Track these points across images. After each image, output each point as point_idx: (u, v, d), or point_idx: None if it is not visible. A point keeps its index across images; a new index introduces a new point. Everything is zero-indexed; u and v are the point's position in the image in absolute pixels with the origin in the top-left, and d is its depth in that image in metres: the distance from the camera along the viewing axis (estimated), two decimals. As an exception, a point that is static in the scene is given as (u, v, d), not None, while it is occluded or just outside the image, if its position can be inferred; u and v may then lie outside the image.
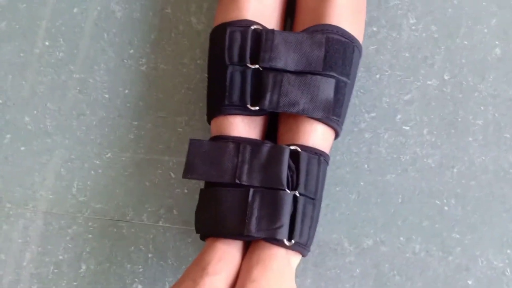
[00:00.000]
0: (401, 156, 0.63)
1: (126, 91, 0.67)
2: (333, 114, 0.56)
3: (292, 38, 0.57)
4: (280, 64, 0.56)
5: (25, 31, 0.70)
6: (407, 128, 0.64)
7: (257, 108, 0.56)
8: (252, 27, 0.57)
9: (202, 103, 0.66)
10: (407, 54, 0.67)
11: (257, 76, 0.56)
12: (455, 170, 0.63)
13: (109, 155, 0.65)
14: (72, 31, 0.70)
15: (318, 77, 0.55)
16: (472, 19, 0.67)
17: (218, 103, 0.57)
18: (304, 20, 0.60)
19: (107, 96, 0.67)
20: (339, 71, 0.56)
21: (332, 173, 0.62)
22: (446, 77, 0.66)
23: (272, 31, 0.57)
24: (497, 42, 0.66)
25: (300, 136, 0.55)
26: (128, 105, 0.67)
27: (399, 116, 0.65)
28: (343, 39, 0.57)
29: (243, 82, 0.56)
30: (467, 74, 0.66)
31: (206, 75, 0.63)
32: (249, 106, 0.56)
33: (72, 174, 0.65)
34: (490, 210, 0.62)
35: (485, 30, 0.67)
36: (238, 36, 0.57)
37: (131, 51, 0.69)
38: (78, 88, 0.68)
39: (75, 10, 0.71)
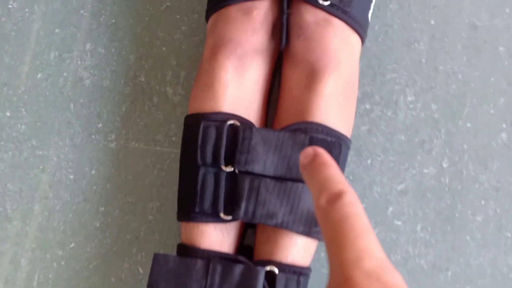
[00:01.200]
0: (392, 256, 0.58)
1: (93, 171, 0.61)
2: (315, 225, 0.50)
3: (272, 138, 0.50)
4: (257, 168, 0.50)
5: (-14, 96, 0.64)
6: (399, 223, 0.58)
7: (229, 218, 0.50)
8: (229, 122, 0.51)
9: (176, 187, 0.60)
10: (402, 137, 0.60)
11: (233, 180, 0.51)
12: (449, 273, 0.57)
13: (72, 245, 0.60)
14: (36, 100, 0.64)
15: (300, 184, 0.50)
16: (477, 97, 0.61)
17: (188, 209, 0.51)
18: (287, 111, 0.53)
19: (72, 177, 0.61)
20: (323, 176, 0.50)
21: (316, 272, 0.57)
22: (444, 165, 0.59)
23: (250, 128, 0.51)
24: (504, 126, 0.60)
25: (278, 251, 0.50)
26: (94, 187, 0.61)
27: (390, 209, 0.59)
28: (329, 139, 0.50)
29: (216, 186, 0.50)
30: (468, 162, 0.59)
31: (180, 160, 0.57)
32: (222, 215, 0.50)
33: (33, 265, 0.60)
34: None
35: (492, 111, 0.60)
36: (212, 133, 0.51)
37: (100, 125, 0.63)
38: (41, 167, 0.62)
39: (39, 75, 0.64)
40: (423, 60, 0.62)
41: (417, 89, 0.61)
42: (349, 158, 0.59)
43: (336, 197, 0.23)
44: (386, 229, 0.58)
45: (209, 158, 0.50)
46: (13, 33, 0.66)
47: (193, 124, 0.52)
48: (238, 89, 0.53)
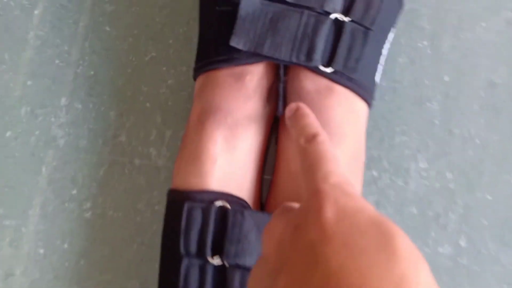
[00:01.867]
0: None
1: (65, 245, 0.54)
2: None
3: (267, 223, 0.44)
4: (250, 261, 0.43)
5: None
6: (411, 309, 0.52)
7: (217, 317, 0.44)
8: (217, 204, 0.45)
9: (158, 263, 0.54)
10: (414, 210, 0.54)
11: (221, 274, 0.44)
12: None
13: (40, 331, 0.53)
14: (4, 162, 0.57)
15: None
16: (497, 165, 0.54)
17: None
18: (284, 189, 0.47)
19: (42, 251, 0.55)
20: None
21: None
22: (462, 243, 0.53)
23: (242, 212, 0.44)
24: (527, 197, 0.54)
25: None
26: (66, 263, 0.54)
27: (401, 293, 0.52)
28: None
29: (202, 282, 0.44)
30: (488, 241, 0.53)
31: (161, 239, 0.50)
32: (207, 313, 0.43)
33: None
34: None
35: (513, 180, 0.54)
36: (198, 216, 0.44)
37: (74, 191, 0.56)
38: (7, 239, 0.55)
39: (7, 134, 0.58)
40: (436, 122, 0.55)
41: (430, 155, 0.55)
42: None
43: (312, 137, 0.29)
44: (395, 316, 0.52)
45: (193, 247, 0.44)
46: (-19, 84, 0.59)
47: (176, 204, 0.46)
48: (229, 163, 0.46)
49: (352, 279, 0.19)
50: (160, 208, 0.55)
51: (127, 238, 0.54)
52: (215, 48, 0.47)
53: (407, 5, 0.57)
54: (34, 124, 0.58)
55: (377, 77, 0.49)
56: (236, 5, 0.45)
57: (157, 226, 0.54)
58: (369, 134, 0.53)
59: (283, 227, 0.25)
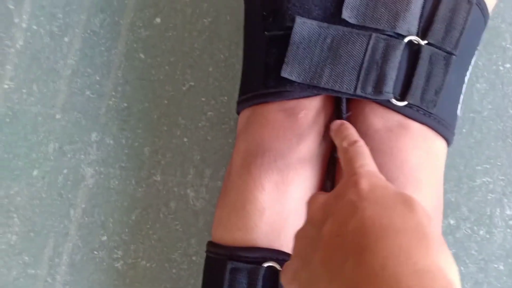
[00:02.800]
0: None
1: (94, 300, 0.49)
2: None
3: None
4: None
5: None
6: None
7: None
8: (266, 264, 0.38)
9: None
10: (501, 267, 0.44)
11: None
12: None
13: None
14: (30, 203, 0.52)
15: None
16: None
17: None
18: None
19: (68, 306, 0.49)
20: None
21: None
22: None
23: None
24: None
25: None
26: (95, 322, 0.48)
27: None
28: None
29: None
30: None
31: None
32: None
33: None
34: None
35: None
36: (243, 280, 0.37)
37: (104, 238, 0.50)
38: (32, 286, 0.50)
39: (34, 172, 0.53)
40: (526, 159, 0.46)
41: (519, 199, 0.46)
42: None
43: (353, 142, 0.33)
44: None
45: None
46: (7, 119, 0.55)
47: (217, 262, 0.39)
48: (279, 214, 0.39)
49: (382, 222, 0.25)
50: (199, 259, 0.48)
51: (162, 293, 0.48)
52: (264, 79, 0.40)
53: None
54: (63, 162, 0.52)
55: (459, 110, 0.41)
56: (289, 29, 0.39)
57: (196, 281, 0.48)
58: (446, 174, 0.45)
59: (326, 197, 0.30)
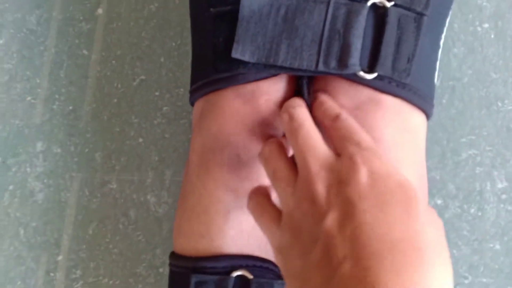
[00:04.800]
0: None
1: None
2: None
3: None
4: None
5: None
6: None
7: None
8: (235, 274, 0.33)
9: None
10: (497, 246, 0.39)
11: None
12: None
13: None
14: (-27, 227, 0.47)
15: None
16: None
17: None
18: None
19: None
20: None
21: None
22: None
23: (271, 284, 0.32)
24: None
25: None
26: None
27: None
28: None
29: None
30: None
31: None
32: None
33: None
34: None
35: None
36: (209, 290, 0.33)
37: (60, 257, 0.44)
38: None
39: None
40: (513, 127, 0.42)
41: (509, 171, 0.41)
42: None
43: (335, 116, 0.31)
44: None
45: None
46: None
47: (181, 276, 0.34)
48: (246, 214, 0.35)
49: (381, 229, 0.25)
50: (166, 270, 0.43)
51: (128, 312, 0.43)
52: (213, 63, 0.35)
53: (456, -20, 0.44)
54: (7, 177, 0.47)
55: (436, 78, 0.36)
56: (235, 3, 0.34)
57: (165, 294, 0.43)
58: (429, 152, 0.40)
59: (331, 177, 0.28)
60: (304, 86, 0.33)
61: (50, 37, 0.49)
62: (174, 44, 0.48)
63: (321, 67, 0.32)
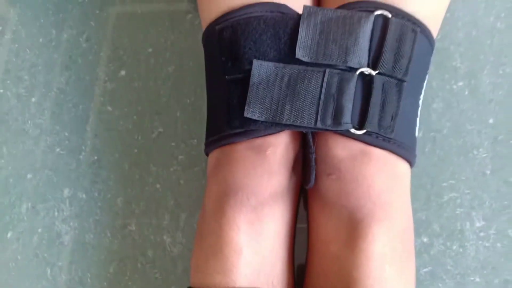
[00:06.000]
0: None
1: None
2: None
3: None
4: None
5: None
6: None
7: None
8: (246, 306, 0.38)
9: None
10: (477, 279, 0.45)
11: None
12: None
13: None
14: (5, 267, 0.51)
15: None
16: None
17: None
18: (325, 274, 0.39)
19: None
20: None
21: None
22: (544, 316, 0.44)
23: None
24: None
25: None
26: None
27: None
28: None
29: None
30: None
31: None
32: None
33: None
34: None
35: None
36: (224, 323, 0.37)
37: (83, 295, 0.50)
38: None
39: (8, 235, 0.52)
40: (488, 172, 0.48)
41: (486, 211, 0.47)
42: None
43: None
44: None
45: None
46: (-22, 183, 0.54)
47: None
48: (256, 253, 0.39)
49: None
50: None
51: None
52: (228, 121, 0.41)
53: (435, 44, 0.51)
54: (36, 221, 0.52)
55: (417, 131, 0.42)
56: (247, 72, 0.40)
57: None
58: (413, 195, 0.46)
59: None
60: (309, 138, 0.39)
61: (77, 96, 0.56)
62: (188, 100, 0.54)
63: (319, 125, 0.38)
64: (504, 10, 0.52)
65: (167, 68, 0.55)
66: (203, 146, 0.51)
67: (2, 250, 0.51)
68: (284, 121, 0.39)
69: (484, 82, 0.50)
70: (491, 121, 0.49)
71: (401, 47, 0.40)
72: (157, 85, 0.55)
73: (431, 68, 0.50)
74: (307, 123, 0.38)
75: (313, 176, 0.39)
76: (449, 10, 0.52)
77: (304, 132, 0.40)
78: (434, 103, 0.50)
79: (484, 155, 0.48)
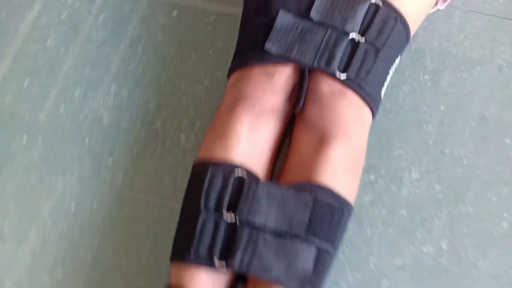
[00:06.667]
0: (384, 333, 0.56)
1: (95, 206, 0.62)
2: (309, 284, 0.49)
3: (277, 194, 0.51)
4: (259, 221, 0.50)
5: (8, 121, 0.67)
6: (393, 300, 0.57)
7: (224, 265, 0.50)
8: (236, 174, 0.53)
9: (171, 236, 0.60)
10: (404, 213, 0.61)
11: (232, 229, 0.51)
12: None
13: (60, 276, 0.59)
14: (53, 131, 0.66)
15: (299, 242, 0.50)
16: (481, 184, 0.61)
17: (182, 250, 0.51)
18: (294, 169, 0.55)
19: (73, 209, 0.62)
20: (323, 237, 0.50)
21: None
22: (444, 246, 0.59)
23: (257, 182, 0.52)
24: (505, 215, 0.60)
25: None
26: (93, 221, 0.61)
27: (386, 284, 0.58)
28: (333, 203, 0.51)
29: (215, 233, 0.51)
30: (467, 247, 0.59)
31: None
32: (215, 261, 0.50)
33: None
34: None
35: (494, 199, 0.61)
36: (219, 182, 0.52)
37: (110, 163, 0.64)
38: (46, 195, 0.63)
39: (61, 109, 0.67)
40: (431, 142, 0.63)
41: (422, 168, 0.62)
42: (349, 225, 0.59)
43: None
44: (379, 304, 0.57)
45: (212, 204, 0.51)
46: (44, 69, 0.70)
47: (201, 170, 0.54)
48: (250, 144, 0.55)
49: None
50: (181, 185, 0.62)
51: (150, 207, 0.62)
52: (251, 51, 0.57)
53: (414, 45, 0.68)
54: (85, 105, 0.67)
55: (383, 92, 0.58)
56: (273, 19, 0.56)
57: (178, 202, 0.61)
58: (371, 145, 0.61)
59: None
60: (306, 72, 0.55)
61: (135, 22, 0.71)
62: (221, 44, 0.70)
63: (315, 64, 0.54)
64: (472, 33, 0.69)
65: (209, 17, 0.71)
66: (225, 78, 0.67)
67: (53, 119, 0.66)
68: (291, 57, 0.55)
69: (444, 80, 0.66)
70: (442, 107, 0.65)
71: (384, 27, 0.56)
72: (200, 27, 0.71)
73: (408, 61, 0.66)
74: (307, 61, 0.54)
75: (302, 99, 0.55)
76: (431, 23, 0.69)
77: (303, 68, 0.56)
78: (404, 86, 0.66)
79: (431, 130, 0.64)
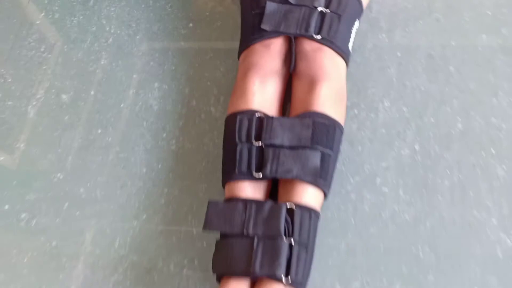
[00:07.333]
0: (382, 213, 0.76)
1: (159, 166, 0.85)
2: (320, 177, 0.71)
3: (287, 122, 0.74)
4: (277, 141, 0.72)
5: (85, 123, 0.90)
6: (386, 189, 0.78)
7: (260, 175, 0.72)
8: (257, 115, 0.75)
9: (218, 173, 0.82)
10: (383, 130, 0.82)
11: (260, 151, 0.73)
12: (427, 223, 0.75)
13: (144, 217, 0.81)
14: (119, 121, 0.89)
15: (307, 150, 0.72)
16: (437, 101, 0.83)
17: (230, 172, 0.73)
18: (296, 107, 0.77)
19: (144, 170, 0.85)
20: (324, 145, 0.72)
21: (324, 227, 0.76)
22: (416, 148, 0.80)
23: (272, 117, 0.75)
24: (459, 119, 0.82)
25: (295, 196, 0.70)
26: (160, 176, 0.84)
27: (378, 180, 0.79)
28: (327, 122, 0.73)
29: (250, 156, 0.73)
30: (434, 145, 0.80)
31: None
32: (254, 173, 0.72)
33: (115, 233, 0.80)
34: (459, 257, 0.72)
35: (449, 110, 0.82)
36: (245, 122, 0.75)
37: (164, 134, 0.87)
38: (122, 165, 0.86)
39: (121, 105, 0.91)
40: (394, 79, 0.86)
41: (391, 98, 0.84)
42: (344, 147, 0.81)
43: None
44: (376, 194, 0.77)
45: (243, 137, 0.74)
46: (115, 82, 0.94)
47: (232, 118, 0.76)
48: (262, 96, 0.78)
49: None
50: (218, 142, 0.85)
51: (199, 159, 0.84)
52: (251, 33, 0.80)
53: (370, 15, 0.91)
54: (138, 99, 0.91)
55: (350, 46, 0.81)
56: (264, 8, 0.80)
57: (217, 152, 0.84)
58: (351, 90, 0.84)
59: None
60: (292, 40, 0.78)
61: (179, 9, 0.95)
62: (229, 40, 0.93)
63: (298, 32, 0.78)
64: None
65: (216, 22, 0.95)
66: (235, 64, 0.89)
67: (117, 114, 0.89)
68: (280, 30, 0.78)
69: (396, 35, 0.89)
70: (398, 54, 0.87)
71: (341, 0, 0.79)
72: (212, 30, 0.94)
73: (368, 27, 0.89)
74: (292, 31, 0.78)
75: (293, 59, 0.78)
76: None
77: (290, 37, 0.79)
78: (367, 44, 0.89)
79: (393, 71, 0.86)
